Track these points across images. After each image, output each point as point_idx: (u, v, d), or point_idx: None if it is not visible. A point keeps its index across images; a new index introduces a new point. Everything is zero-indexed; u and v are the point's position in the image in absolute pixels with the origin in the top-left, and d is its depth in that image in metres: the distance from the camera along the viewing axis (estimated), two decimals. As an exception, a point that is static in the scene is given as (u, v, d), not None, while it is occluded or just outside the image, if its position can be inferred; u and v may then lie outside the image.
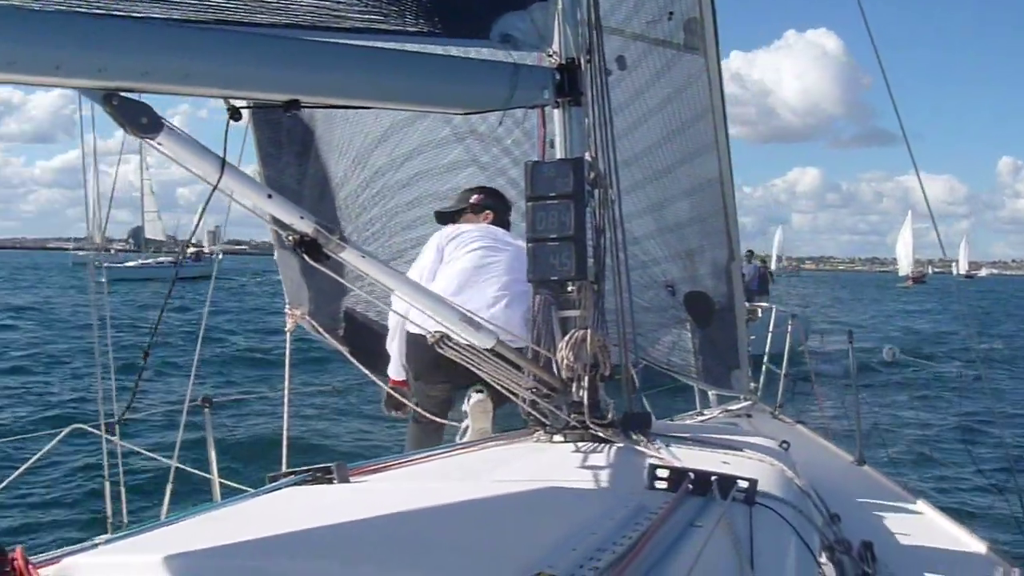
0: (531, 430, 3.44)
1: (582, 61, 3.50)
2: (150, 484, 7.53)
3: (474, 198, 4.92)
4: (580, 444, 3.25)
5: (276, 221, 2.93)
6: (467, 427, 4.07)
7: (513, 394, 3.43)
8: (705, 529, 2.09)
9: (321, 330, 5.18)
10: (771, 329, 8.37)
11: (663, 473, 2.44)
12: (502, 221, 4.89)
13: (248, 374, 18.97)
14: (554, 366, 3.36)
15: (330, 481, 2.70)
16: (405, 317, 4.10)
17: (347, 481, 2.72)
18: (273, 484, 2.69)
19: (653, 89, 5.35)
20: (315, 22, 2.73)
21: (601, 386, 3.36)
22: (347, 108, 4.09)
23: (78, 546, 1.99)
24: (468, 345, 3.32)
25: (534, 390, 3.37)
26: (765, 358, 7.87)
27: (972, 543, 4.28)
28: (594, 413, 3.28)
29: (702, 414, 6.69)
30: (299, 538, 1.96)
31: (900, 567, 3.56)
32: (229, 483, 4.18)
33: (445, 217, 4.95)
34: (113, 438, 4.42)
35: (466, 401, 4.10)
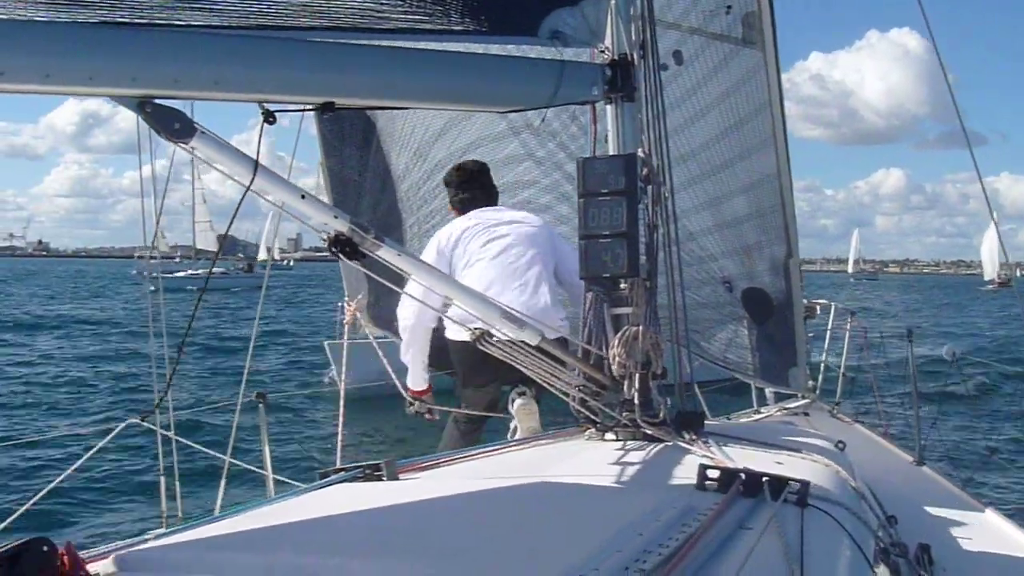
0: (582, 428, 3.42)
1: (635, 56, 3.47)
2: (205, 480, 7.63)
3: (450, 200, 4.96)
4: (631, 443, 3.23)
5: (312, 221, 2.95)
6: (516, 427, 4.06)
7: (562, 392, 3.42)
8: (755, 531, 2.06)
9: (368, 328, 5.19)
10: (830, 326, 8.26)
11: (713, 473, 2.41)
12: (475, 197, 4.90)
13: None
14: (605, 364, 3.34)
15: (379, 478, 2.71)
16: (442, 318, 4.09)
17: (396, 478, 2.73)
18: (324, 480, 2.71)
19: (711, 84, 5.29)
20: (356, 24, 2.73)
21: (653, 384, 3.33)
22: (383, 108, 4.09)
23: (130, 540, 2.02)
24: (510, 341, 3.31)
25: (582, 387, 3.36)
26: (824, 355, 7.77)
27: None
28: (646, 411, 3.26)
29: (759, 412, 6.62)
30: (348, 535, 1.97)
31: (958, 571, 3.49)
32: (282, 479, 4.21)
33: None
34: (168, 433, 4.48)
35: (510, 404, 4.08)
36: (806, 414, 6.38)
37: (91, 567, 1.80)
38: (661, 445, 3.17)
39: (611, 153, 3.52)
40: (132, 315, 35.88)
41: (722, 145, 5.47)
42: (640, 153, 3.38)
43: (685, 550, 1.78)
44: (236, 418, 4.81)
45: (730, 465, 2.64)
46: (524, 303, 4.20)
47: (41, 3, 2.19)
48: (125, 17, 2.31)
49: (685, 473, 2.64)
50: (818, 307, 7.90)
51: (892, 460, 5.74)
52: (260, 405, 4.55)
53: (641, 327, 3.30)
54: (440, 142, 5.47)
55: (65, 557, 1.76)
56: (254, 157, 2.64)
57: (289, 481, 3.66)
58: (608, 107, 3.54)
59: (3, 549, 1.72)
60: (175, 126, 2.47)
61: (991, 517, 4.65)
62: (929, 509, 4.69)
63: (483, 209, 4.79)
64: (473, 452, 3.26)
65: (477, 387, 4.63)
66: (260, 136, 2.71)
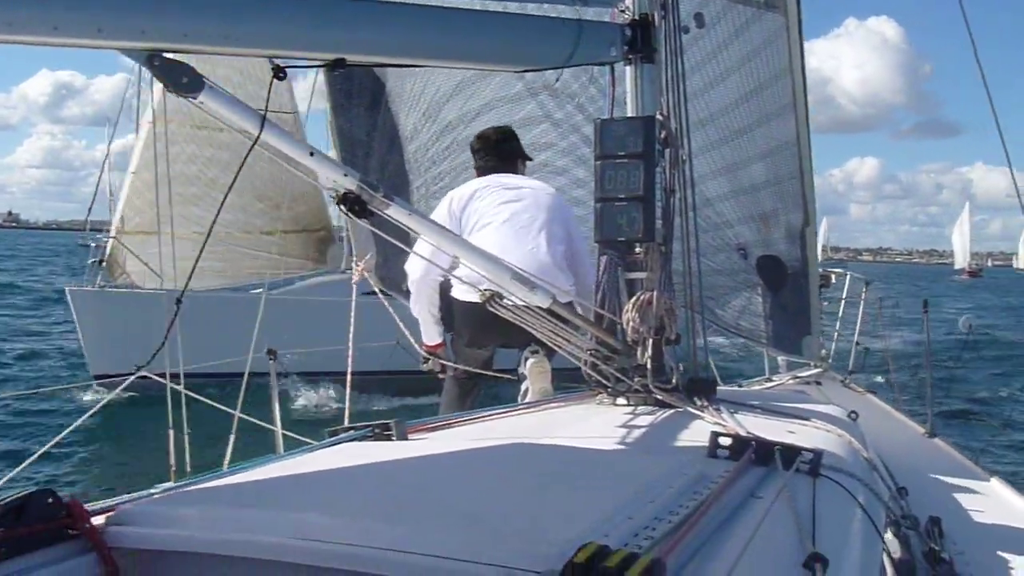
0: (593, 392, 3.40)
1: (656, 16, 3.42)
2: (214, 435, 7.65)
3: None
4: (642, 408, 3.21)
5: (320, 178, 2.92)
6: (527, 388, 4.02)
7: (573, 356, 3.39)
8: (766, 500, 2.04)
9: (378, 287, 5.15)
10: (844, 296, 8.22)
11: (725, 441, 2.39)
12: (493, 164, 4.82)
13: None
14: (618, 328, 3.32)
15: (389, 438, 2.70)
16: (449, 278, 4.05)
17: (405, 438, 2.72)
18: (333, 439, 2.70)
19: (731, 47, 5.23)
20: None
21: (666, 350, 3.31)
22: (396, 67, 4.03)
23: (135, 494, 2.00)
24: (523, 304, 3.28)
25: (594, 352, 3.33)
26: (837, 325, 7.73)
27: None
28: (658, 377, 3.24)
29: (771, 380, 6.60)
30: (355, 494, 1.95)
31: (968, 544, 3.48)
32: (291, 435, 4.20)
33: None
34: (178, 387, 4.48)
35: (522, 363, 4.04)
36: (818, 383, 6.37)
37: (96, 520, 1.79)
38: (672, 411, 3.16)
39: (629, 115, 3.48)
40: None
41: (741, 110, 5.41)
42: (658, 116, 3.34)
43: (696, 518, 1.76)
44: (247, 368, 4.80)
45: (741, 433, 2.62)
46: (534, 265, 4.13)
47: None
48: None
49: (696, 440, 2.62)
50: (833, 276, 7.88)
51: (904, 431, 5.73)
52: (271, 360, 4.54)
53: (655, 292, 3.27)
54: (451, 103, 5.41)
55: (73, 509, 1.76)
56: (261, 112, 2.62)
57: (300, 438, 3.64)
58: (627, 68, 3.49)
59: (8, 500, 1.72)
60: (183, 80, 2.46)
61: (1002, 490, 4.63)
62: (940, 481, 4.68)
63: (501, 174, 4.73)
64: (482, 414, 3.24)
65: (482, 346, 4.60)
66: (269, 91, 2.69)
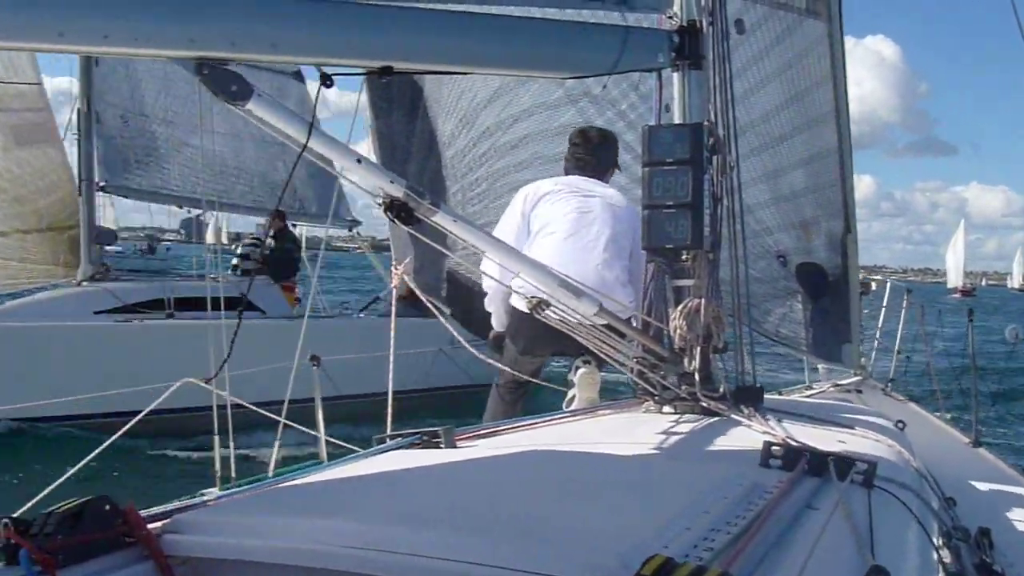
0: (640, 400, 3.38)
1: (704, 23, 3.40)
2: (259, 441, 7.67)
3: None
4: (689, 416, 3.18)
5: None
6: (573, 396, 4.01)
7: (620, 364, 3.37)
8: (823, 512, 2.01)
9: (417, 290, 5.13)
10: (885, 304, 8.15)
11: (778, 451, 2.37)
12: (587, 163, 4.71)
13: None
14: (665, 336, 3.30)
15: (437, 445, 2.69)
16: (502, 284, 4.03)
17: (454, 446, 2.70)
18: (381, 447, 2.69)
19: (772, 54, 5.19)
20: None
21: (714, 358, 3.28)
22: (444, 74, 4.03)
23: (187, 501, 2.00)
24: (571, 312, 3.27)
25: (640, 360, 3.31)
26: (877, 333, 7.66)
27: None
28: (705, 385, 3.21)
29: (810, 387, 6.54)
30: (406, 503, 1.94)
31: (1019, 555, 3.42)
32: (336, 441, 4.19)
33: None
34: (223, 393, 4.48)
35: (572, 371, 4.03)
36: (859, 391, 6.30)
37: (151, 527, 1.79)
38: (721, 420, 3.13)
39: (676, 122, 3.46)
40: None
41: (782, 117, 5.37)
42: (706, 123, 3.32)
43: (755, 529, 1.73)
44: (292, 375, 4.78)
45: (791, 442, 2.59)
46: (595, 281, 4.08)
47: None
48: None
49: (746, 448, 2.59)
50: (873, 284, 7.82)
51: (948, 441, 5.67)
52: (315, 368, 4.53)
53: (703, 300, 3.25)
54: (489, 109, 5.41)
55: (129, 516, 1.75)
56: (309, 120, 2.63)
57: (345, 444, 3.63)
58: (674, 75, 3.47)
59: (66, 506, 1.72)
60: (232, 88, 2.47)
61: None
62: (986, 491, 4.62)
63: (581, 177, 4.66)
64: (530, 421, 3.23)
65: (535, 355, 4.57)
66: (317, 99, 2.73)
